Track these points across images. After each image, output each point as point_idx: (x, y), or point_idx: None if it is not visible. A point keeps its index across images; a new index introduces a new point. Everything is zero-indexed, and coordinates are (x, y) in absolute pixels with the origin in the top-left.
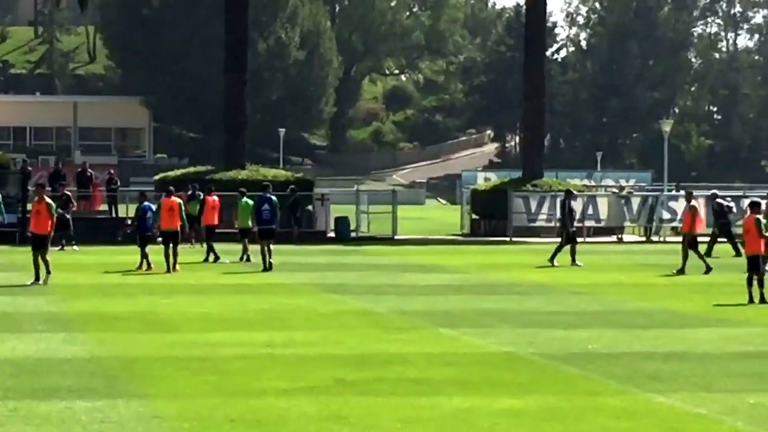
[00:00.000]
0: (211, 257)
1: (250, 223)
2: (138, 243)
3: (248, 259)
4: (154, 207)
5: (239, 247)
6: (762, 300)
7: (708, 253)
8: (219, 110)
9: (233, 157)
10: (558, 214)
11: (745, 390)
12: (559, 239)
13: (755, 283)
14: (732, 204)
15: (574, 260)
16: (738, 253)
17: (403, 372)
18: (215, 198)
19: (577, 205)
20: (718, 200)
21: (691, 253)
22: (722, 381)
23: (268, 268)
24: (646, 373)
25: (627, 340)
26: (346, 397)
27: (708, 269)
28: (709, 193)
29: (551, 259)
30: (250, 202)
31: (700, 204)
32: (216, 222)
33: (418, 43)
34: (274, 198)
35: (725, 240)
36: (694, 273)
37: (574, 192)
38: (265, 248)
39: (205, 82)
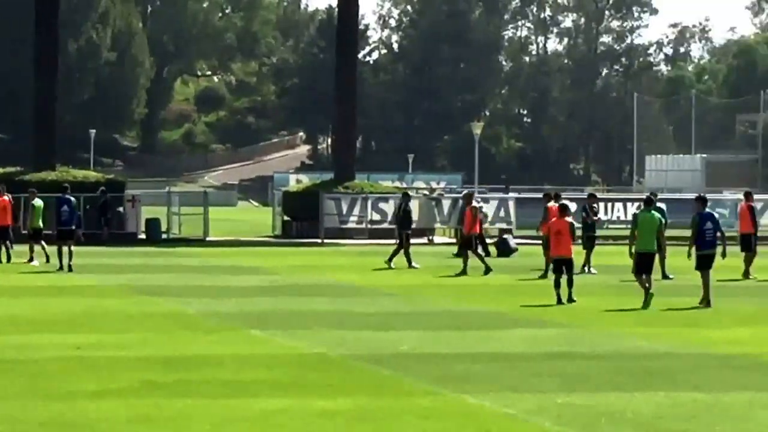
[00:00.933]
0: (4, 257)
1: (41, 224)
2: None
3: (31, 260)
4: None
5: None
6: (570, 299)
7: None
8: (29, 111)
9: (43, 158)
10: (371, 216)
11: (552, 390)
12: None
13: (563, 283)
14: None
15: (410, 262)
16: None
17: (215, 374)
18: (6, 198)
19: (413, 207)
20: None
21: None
22: (531, 381)
23: (65, 268)
24: (456, 374)
25: (437, 341)
26: (156, 399)
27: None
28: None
29: (389, 261)
30: (41, 203)
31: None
32: (9, 222)
33: (230, 44)
34: (73, 199)
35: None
36: (498, 274)
37: (411, 194)
38: (63, 249)
39: (14, 82)
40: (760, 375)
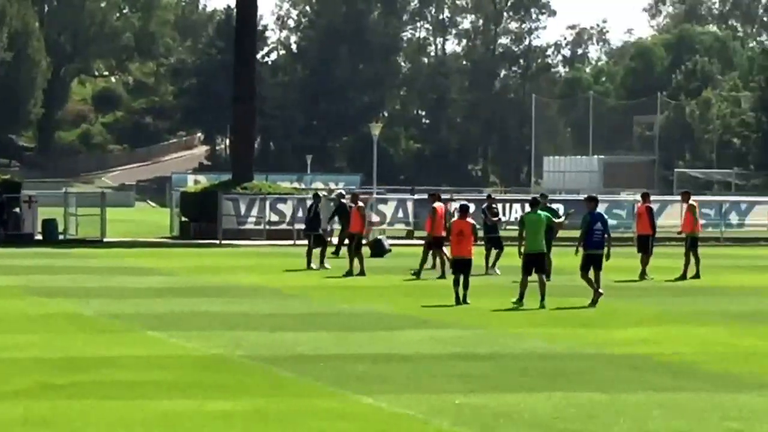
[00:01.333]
0: None
1: None
2: None
3: None
4: None
5: None
6: (464, 300)
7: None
8: None
9: None
10: (269, 217)
11: (451, 391)
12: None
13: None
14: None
15: (322, 262)
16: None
17: (112, 375)
18: None
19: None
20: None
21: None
22: (429, 382)
23: None
24: (355, 375)
25: (336, 342)
26: (53, 401)
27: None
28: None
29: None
30: None
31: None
32: None
33: (128, 44)
34: None
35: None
36: (407, 274)
37: (321, 195)
38: None
39: None
40: (656, 375)
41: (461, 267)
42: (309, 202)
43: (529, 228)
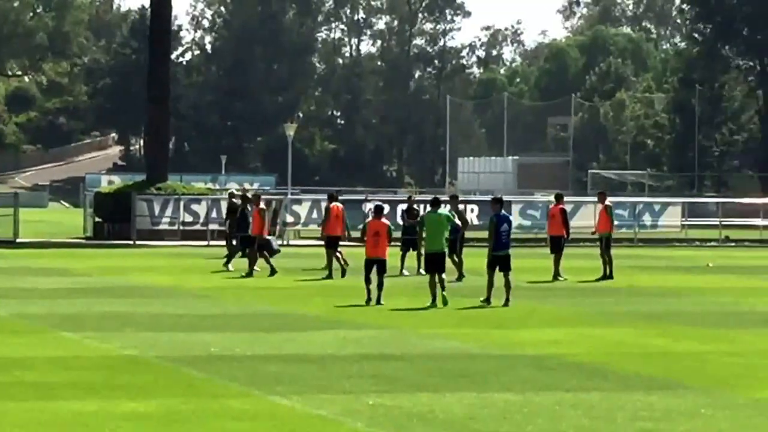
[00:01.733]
0: None
1: None
2: None
3: None
4: None
5: None
6: (378, 301)
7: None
8: None
9: None
10: (183, 218)
11: (364, 391)
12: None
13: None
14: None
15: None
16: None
17: (24, 376)
18: None
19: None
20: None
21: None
22: (342, 383)
23: None
24: (268, 376)
25: (249, 342)
26: None
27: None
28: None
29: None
30: None
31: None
32: None
33: (41, 44)
34: None
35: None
36: (318, 276)
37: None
38: None
39: None
40: (569, 375)
41: (374, 266)
42: (224, 203)
43: (430, 228)
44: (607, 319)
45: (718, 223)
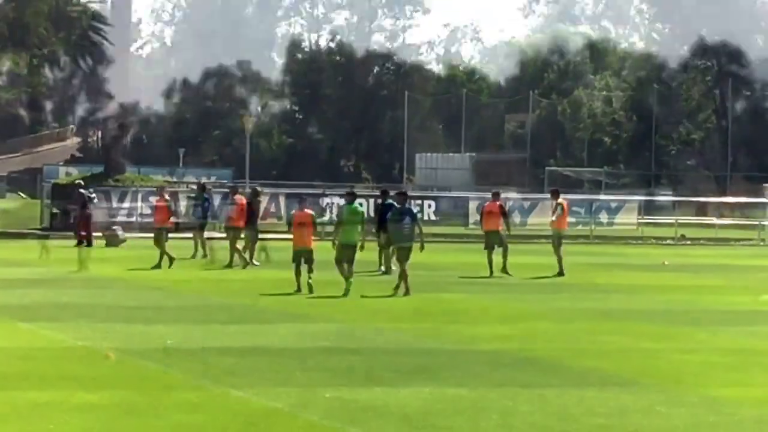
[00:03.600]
0: None
1: None
2: None
3: None
4: None
5: None
6: (310, 290)
7: None
8: None
9: None
10: (141, 210)
11: (321, 384)
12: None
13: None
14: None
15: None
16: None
17: None
18: None
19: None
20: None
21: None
22: (298, 375)
23: None
24: (223, 368)
25: (205, 334)
26: None
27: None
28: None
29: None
30: None
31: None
32: None
33: (1, 34)
34: None
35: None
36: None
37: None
38: None
39: None
40: (523, 371)
41: (302, 257)
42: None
43: (346, 220)
44: (561, 316)
45: (674, 221)
